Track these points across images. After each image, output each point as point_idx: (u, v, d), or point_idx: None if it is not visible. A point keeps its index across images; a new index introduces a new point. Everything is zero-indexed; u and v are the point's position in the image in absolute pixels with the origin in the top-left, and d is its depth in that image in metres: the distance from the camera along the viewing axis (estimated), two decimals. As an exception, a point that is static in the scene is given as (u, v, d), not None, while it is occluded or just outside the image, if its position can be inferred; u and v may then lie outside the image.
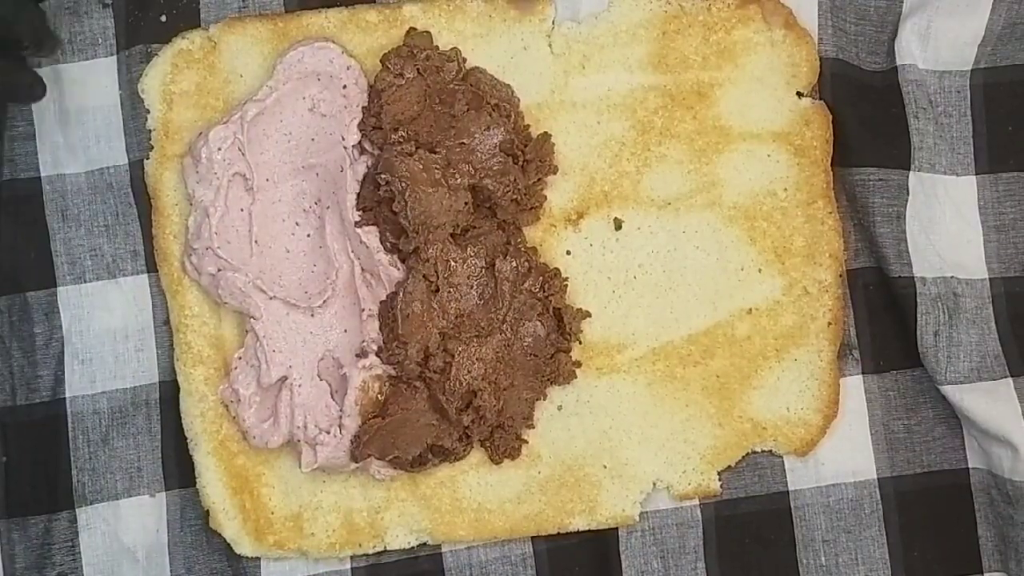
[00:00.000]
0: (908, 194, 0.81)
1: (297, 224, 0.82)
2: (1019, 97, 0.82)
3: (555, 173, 0.83)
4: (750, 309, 0.83)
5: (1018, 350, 0.81)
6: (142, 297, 0.84)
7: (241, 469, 0.82)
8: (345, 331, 0.81)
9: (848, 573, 0.83)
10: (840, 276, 0.83)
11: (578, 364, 0.82)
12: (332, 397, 0.81)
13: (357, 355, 0.80)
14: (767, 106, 0.83)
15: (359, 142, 0.81)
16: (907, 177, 0.81)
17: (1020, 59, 0.82)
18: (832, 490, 0.83)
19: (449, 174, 0.79)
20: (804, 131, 0.83)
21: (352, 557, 0.83)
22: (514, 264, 0.80)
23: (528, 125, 0.82)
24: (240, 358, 0.82)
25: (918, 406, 0.84)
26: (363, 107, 0.81)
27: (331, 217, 0.81)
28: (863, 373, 0.84)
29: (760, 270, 0.83)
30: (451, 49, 0.82)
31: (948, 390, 0.81)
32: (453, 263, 0.80)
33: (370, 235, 0.80)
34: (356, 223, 0.80)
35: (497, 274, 0.79)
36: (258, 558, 0.83)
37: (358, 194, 0.81)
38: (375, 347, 0.80)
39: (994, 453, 0.81)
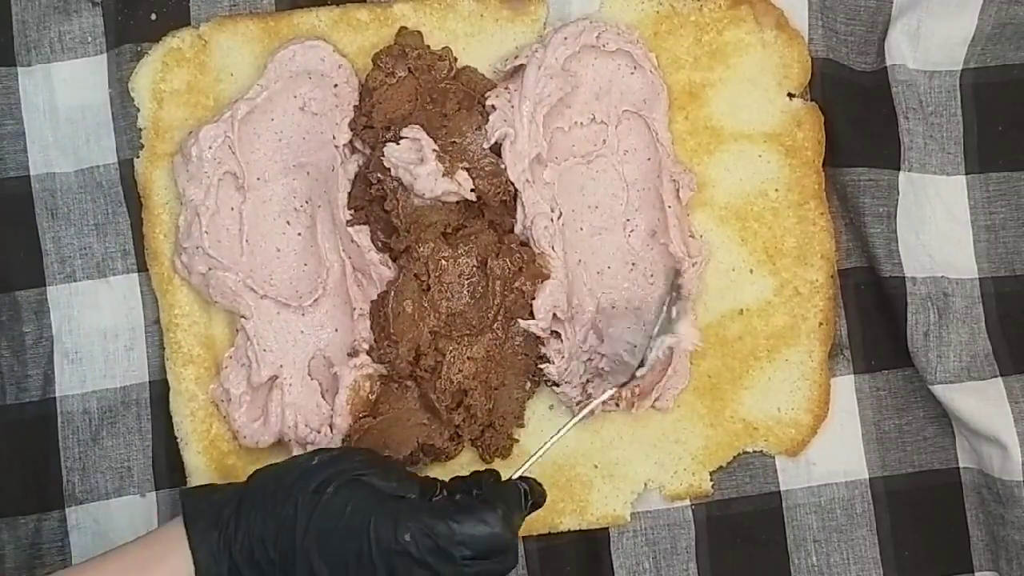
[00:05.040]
0: (898, 194, 0.81)
1: (288, 223, 0.82)
2: (1009, 97, 0.82)
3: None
4: (741, 310, 0.83)
5: (1007, 350, 0.81)
6: (132, 296, 0.83)
7: (231, 468, 0.82)
8: (336, 330, 0.81)
9: (839, 573, 0.83)
10: (831, 276, 0.83)
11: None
12: (323, 396, 0.81)
13: (348, 354, 0.80)
14: (758, 107, 0.83)
15: (350, 141, 0.81)
16: (897, 177, 0.81)
17: (1009, 59, 0.82)
18: (823, 490, 0.83)
19: (440, 173, 0.79)
20: (795, 132, 0.83)
21: (343, 557, 0.83)
22: (505, 263, 0.80)
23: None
24: (231, 357, 0.81)
25: (909, 406, 0.84)
26: (354, 106, 0.81)
27: (322, 216, 0.81)
28: (854, 373, 0.84)
29: (751, 271, 0.83)
30: (442, 48, 0.82)
31: (938, 390, 0.81)
32: (444, 262, 0.79)
33: (361, 234, 0.80)
34: (347, 222, 0.80)
35: (488, 273, 0.79)
36: (248, 558, 0.83)
37: (349, 193, 0.81)
38: (366, 346, 0.80)
39: (984, 452, 0.81)
